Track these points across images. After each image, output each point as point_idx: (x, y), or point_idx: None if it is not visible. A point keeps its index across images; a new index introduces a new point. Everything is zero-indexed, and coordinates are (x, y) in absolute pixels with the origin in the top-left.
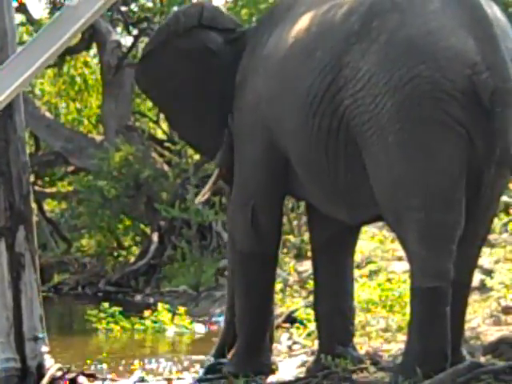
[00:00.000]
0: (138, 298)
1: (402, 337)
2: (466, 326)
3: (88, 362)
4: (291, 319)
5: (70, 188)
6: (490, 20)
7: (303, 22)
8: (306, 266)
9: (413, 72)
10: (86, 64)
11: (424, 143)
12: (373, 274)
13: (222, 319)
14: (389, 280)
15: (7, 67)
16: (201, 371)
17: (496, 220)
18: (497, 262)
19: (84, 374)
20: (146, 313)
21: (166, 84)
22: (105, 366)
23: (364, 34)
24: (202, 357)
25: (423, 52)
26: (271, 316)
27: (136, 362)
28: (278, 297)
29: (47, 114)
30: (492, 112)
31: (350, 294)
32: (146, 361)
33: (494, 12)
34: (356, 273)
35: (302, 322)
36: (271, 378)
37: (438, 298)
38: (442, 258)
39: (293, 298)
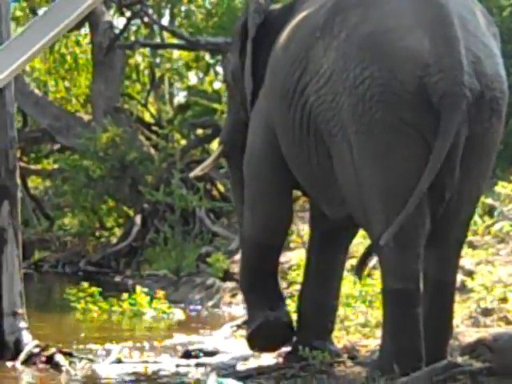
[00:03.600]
0: (118, 279)
1: (381, 332)
2: None
3: (65, 340)
4: None
5: (56, 166)
6: (450, 20)
7: (301, 13)
8: (288, 257)
9: (365, 72)
10: (77, 43)
11: (379, 147)
12: (354, 268)
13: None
14: (369, 275)
15: (10, 44)
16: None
17: (480, 222)
18: (478, 263)
19: (61, 352)
20: (125, 295)
21: None
22: (81, 345)
23: (327, 28)
24: (178, 341)
25: (377, 51)
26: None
27: (113, 343)
28: None
29: (36, 91)
30: (440, 115)
31: (336, 291)
32: (123, 342)
33: (464, 11)
34: None
35: None
36: (248, 367)
37: (407, 299)
38: (407, 260)
39: None
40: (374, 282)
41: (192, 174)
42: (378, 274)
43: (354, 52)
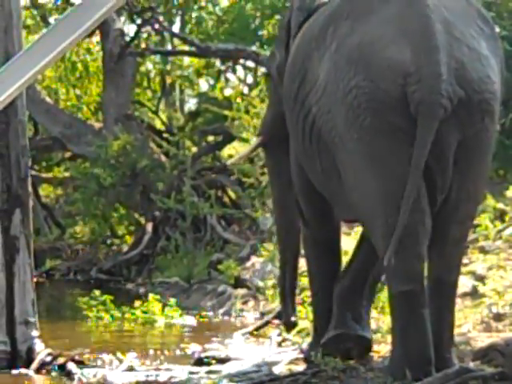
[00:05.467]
0: (130, 287)
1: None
2: (457, 331)
3: (78, 348)
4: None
5: (67, 174)
6: (432, 30)
7: (313, 17)
8: (299, 262)
9: (352, 82)
10: (88, 50)
11: (372, 152)
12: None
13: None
14: (381, 281)
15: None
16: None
17: (491, 227)
18: (490, 268)
19: (73, 361)
20: (137, 303)
21: None
22: (94, 353)
23: (321, 39)
24: (190, 348)
25: (362, 62)
26: None
27: (125, 351)
28: (269, 293)
29: (47, 99)
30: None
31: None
32: (136, 350)
33: (452, 16)
34: None
35: None
36: (260, 374)
37: (412, 301)
38: (409, 261)
39: None
40: (385, 288)
41: (229, 162)
42: None
43: (342, 63)
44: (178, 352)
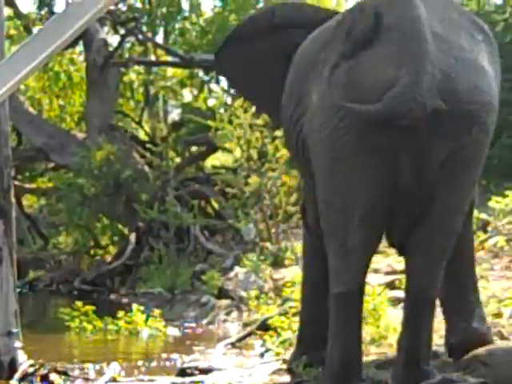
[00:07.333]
0: (113, 297)
1: (375, 349)
2: (439, 341)
3: (60, 359)
4: (265, 326)
5: (50, 184)
6: (417, 48)
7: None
8: (282, 273)
9: (339, 105)
10: (71, 61)
11: (342, 171)
12: None
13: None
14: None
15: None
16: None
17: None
18: None
19: (56, 371)
20: (120, 313)
21: (244, 74)
22: (76, 364)
23: (315, 65)
24: (173, 359)
25: (349, 84)
26: None
27: (108, 362)
28: (252, 303)
29: (30, 109)
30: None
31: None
32: (119, 361)
33: (440, 27)
34: None
35: (275, 330)
36: None
37: (342, 303)
38: (345, 268)
39: (268, 306)
40: (368, 299)
41: None
42: (371, 290)
43: (334, 85)
44: (161, 363)
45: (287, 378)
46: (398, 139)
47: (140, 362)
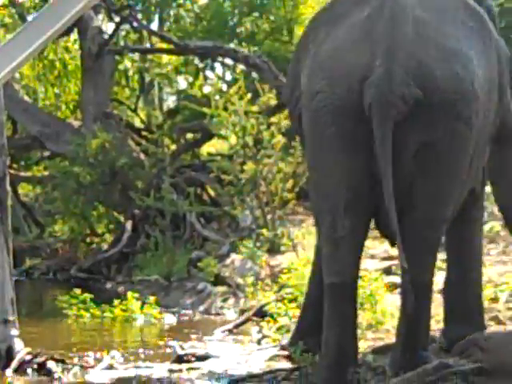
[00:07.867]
0: (109, 285)
1: (372, 334)
2: (436, 326)
3: (57, 347)
4: (262, 313)
5: (46, 173)
6: (395, 33)
7: None
8: (278, 260)
9: (317, 88)
10: (66, 49)
11: (324, 154)
12: None
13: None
14: (360, 277)
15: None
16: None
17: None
18: None
19: (53, 359)
20: (116, 301)
21: None
22: (73, 352)
23: (306, 46)
24: (170, 346)
25: (326, 68)
26: None
27: (105, 349)
28: (249, 290)
29: (25, 98)
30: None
31: None
32: (115, 348)
33: (426, 13)
34: None
35: (272, 316)
36: (240, 371)
37: (335, 294)
38: (335, 257)
39: (264, 292)
40: (365, 284)
41: None
42: (367, 276)
43: (314, 70)
44: (157, 350)
45: (284, 364)
46: (370, 126)
47: (137, 349)
